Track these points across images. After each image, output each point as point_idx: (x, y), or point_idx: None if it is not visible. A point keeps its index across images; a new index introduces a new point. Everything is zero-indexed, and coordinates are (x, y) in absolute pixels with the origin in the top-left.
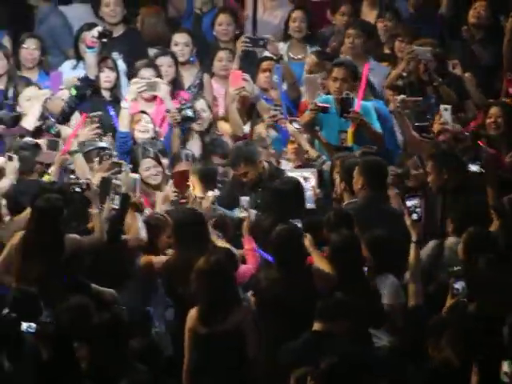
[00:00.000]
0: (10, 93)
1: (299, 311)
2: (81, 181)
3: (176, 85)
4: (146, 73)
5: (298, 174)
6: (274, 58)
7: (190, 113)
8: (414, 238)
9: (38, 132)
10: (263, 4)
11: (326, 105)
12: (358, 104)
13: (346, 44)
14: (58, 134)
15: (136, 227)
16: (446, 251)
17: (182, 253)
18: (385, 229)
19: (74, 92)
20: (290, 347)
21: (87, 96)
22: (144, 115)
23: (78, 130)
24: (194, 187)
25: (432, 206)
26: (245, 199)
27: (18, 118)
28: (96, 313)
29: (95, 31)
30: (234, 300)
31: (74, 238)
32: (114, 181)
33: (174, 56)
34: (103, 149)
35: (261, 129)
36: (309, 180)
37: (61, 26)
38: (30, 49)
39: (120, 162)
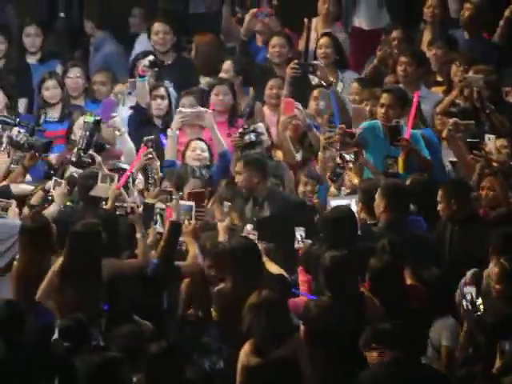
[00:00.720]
0: (42, 119)
1: (349, 339)
2: (125, 204)
3: (234, 112)
4: (187, 101)
5: (339, 202)
6: (324, 84)
7: (253, 137)
8: None
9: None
10: (316, 30)
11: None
12: (408, 132)
13: (398, 72)
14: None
15: (193, 254)
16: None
17: (237, 282)
18: (408, 252)
19: (90, 119)
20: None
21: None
22: (200, 143)
23: (138, 162)
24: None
25: (442, 234)
26: (301, 230)
27: (48, 145)
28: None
29: (146, 60)
30: (288, 329)
31: (113, 262)
32: (157, 204)
33: (230, 84)
34: (123, 170)
35: None
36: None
37: (116, 53)
38: (74, 77)
39: (170, 189)
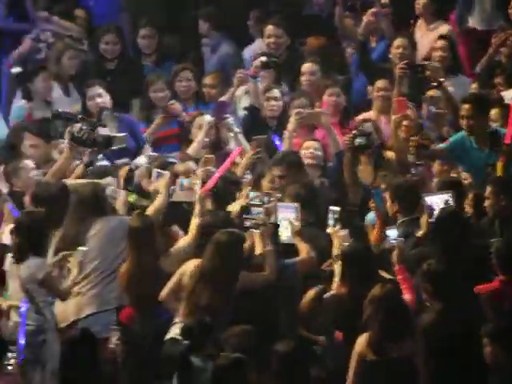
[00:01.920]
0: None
1: (462, 343)
2: (256, 216)
3: (346, 113)
4: (299, 102)
5: (434, 198)
6: (435, 84)
7: (363, 141)
8: None
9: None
10: (420, 29)
11: None
12: (509, 135)
13: None
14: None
15: (306, 250)
16: None
17: (353, 286)
18: None
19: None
20: None
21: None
22: (314, 143)
23: (228, 165)
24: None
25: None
26: (392, 232)
27: (110, 141)
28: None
29: (258, 61)
30: (407, 330)
31: (247, 274)
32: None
33: (343, 85)
34: (172, 164)
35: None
36: (449, 203)
37: (232, 55)
38: (184, 80)
39: (269, 191)
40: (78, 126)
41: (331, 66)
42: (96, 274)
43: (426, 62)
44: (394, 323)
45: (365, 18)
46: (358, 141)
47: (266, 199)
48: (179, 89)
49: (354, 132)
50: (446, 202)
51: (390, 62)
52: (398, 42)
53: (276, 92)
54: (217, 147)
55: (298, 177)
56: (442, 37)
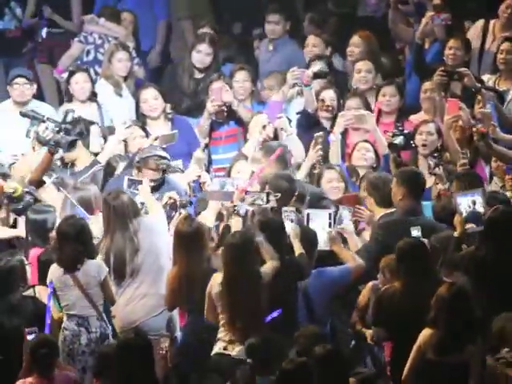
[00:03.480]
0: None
1: None
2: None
3: (402, 113)
4: (353, 103)
5: (464, 198)
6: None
7: (402, 141)
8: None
9: None
10: (493, 33)
11: None
12: None
13: None
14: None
15: (352, 257)
16: None
17: (410, 284)
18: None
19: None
20: None
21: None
22: (366, 144)
23: (265, 168)
24: None
25: None
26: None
27: (74, 143)
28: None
29: (310, 71)
30: (472, 332)
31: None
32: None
33: (398, 84)
34: (161, 157)
35: None
36: (478, 203)
37: (295, 55)
38: (240, 81)
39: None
40: (43, 125)
41: (385, 67)
42: (148, 275)
43: (462, 69)
44: (458, 325)
45: (423, 21)
46: (397, 140)
47: (264, 198)
48: (236, 89)
49: (392, 131)
50: (474, 203)
51: (445, 63)
52: (451, 43)
53: (330, 92)
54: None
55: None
56: (507, 39)
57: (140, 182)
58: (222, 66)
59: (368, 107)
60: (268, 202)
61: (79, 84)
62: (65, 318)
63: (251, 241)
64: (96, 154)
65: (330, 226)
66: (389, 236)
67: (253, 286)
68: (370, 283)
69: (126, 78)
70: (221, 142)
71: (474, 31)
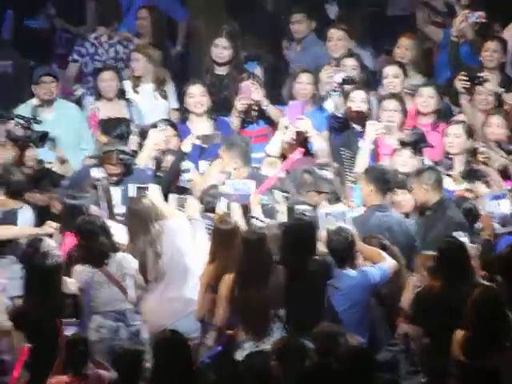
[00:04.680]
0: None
1: None
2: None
3: (439, 115)
4: (390, 105)
5: (492, 202)
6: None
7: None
8: None
9: None
10: None
11: None
12: None
13: None
14: None
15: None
16: None
17: (449, 285)
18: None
19: None
20: None
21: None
22: (405, 151)
23: (286, 167)
24: None
25: None
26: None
27: (45, 137)
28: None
29: (339, 77)
30: (506, 336)
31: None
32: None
33: (436, 87)
34: (122, 152)
35: None
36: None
37: (323, 56)
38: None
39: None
40: (12, 122)
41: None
42: (174, 278)
43: (483, 74)
44: (491, 329)
45: (457, 19)
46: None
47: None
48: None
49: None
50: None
51: (482, 64)
52: (488, 44)
53: (361, 93)
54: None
55: None
56: None
57: (147, 189)
58: (250, 64)
59: (404, 108)
60: (278, 201)
61: (106, 82)
62: (98, 317)
63: (265, 237)
64: (134, 152)
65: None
66: (360, 231)
67: (264, 283)
68: (411, 283)
69: (162, 82)
70: (250, 141)
71: (508, 33)
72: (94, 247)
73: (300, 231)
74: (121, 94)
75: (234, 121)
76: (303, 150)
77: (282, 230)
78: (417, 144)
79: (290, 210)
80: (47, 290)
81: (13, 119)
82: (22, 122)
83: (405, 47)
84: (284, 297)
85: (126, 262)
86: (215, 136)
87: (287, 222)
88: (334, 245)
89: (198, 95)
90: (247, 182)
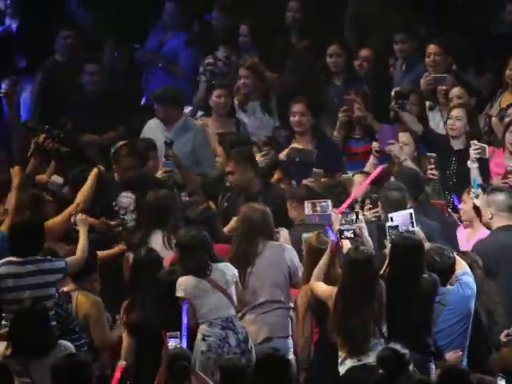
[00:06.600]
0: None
1: None
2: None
3: None
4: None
5: None
6: None
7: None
8: None
9: None
10: None
11: None
12: None
13: None
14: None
15: None
16: None
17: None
18: None
19: None
20: None
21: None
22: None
23: (366, 185)
24: None
25: None
26: None
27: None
28: None
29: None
30: None
31: None
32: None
33: None
34: None
35: None
36: None
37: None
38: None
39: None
40: (43, 136)
41: None
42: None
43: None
44: None
45: None
46: None
47: (353, 218)
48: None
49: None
50: None
51: None
52: None
53: (459, 111)
54: None
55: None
56: None
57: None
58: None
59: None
60: (357, 221)
61: (220, 98)
62: (205, 327)
63: (372, 257)
64: None
65: (412, 225)
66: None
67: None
68: None
69: (250, 98)
70: (355, 158)
71: None
72: (194, 262)
73: (409, 249)
74: (232, 111)
75: (336, 134)
76: (382, 168)
77: (391, 248)
78: None
79: (381, 228)
80: (169, 302)
81: (44, 132)
82: (51, 136)
83: None
84: (389, 313)
85: (228, 269)
86: (309, 153)
87: (395, 240)
88: (438, 265)
89: (298, 114)
90: (324, 201)
